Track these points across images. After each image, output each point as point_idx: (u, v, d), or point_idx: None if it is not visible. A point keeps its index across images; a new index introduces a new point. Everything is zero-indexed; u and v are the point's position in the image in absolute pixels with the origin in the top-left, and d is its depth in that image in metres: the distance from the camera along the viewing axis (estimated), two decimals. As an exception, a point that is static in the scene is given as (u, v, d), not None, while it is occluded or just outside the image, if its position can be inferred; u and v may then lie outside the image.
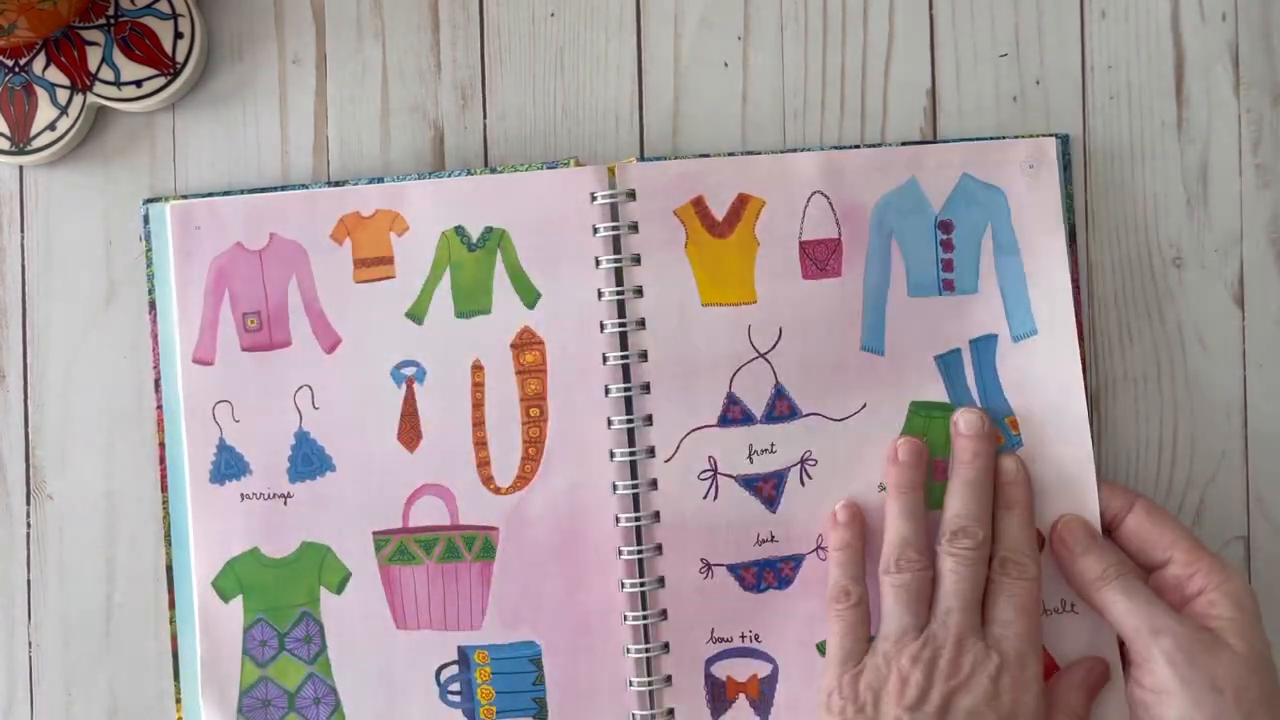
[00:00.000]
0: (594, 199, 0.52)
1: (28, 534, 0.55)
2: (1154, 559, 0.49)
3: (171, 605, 0.53)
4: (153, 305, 0.53)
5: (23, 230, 0.55)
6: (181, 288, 0.53)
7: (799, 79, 0.54)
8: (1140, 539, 0.49)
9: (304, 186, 0.53)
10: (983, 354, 0.52)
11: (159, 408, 0.53)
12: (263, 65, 0.55)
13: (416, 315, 0.52)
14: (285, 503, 0.52)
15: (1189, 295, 0.53)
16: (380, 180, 0.53)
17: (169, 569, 0.53)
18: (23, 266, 0.55)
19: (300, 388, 0.52)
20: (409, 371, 0.52)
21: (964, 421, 0.50)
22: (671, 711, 0.51)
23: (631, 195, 0.52)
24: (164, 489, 0.53)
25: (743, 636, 0.52)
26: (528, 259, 0.52)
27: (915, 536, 0.49)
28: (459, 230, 0.52)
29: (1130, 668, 0.48)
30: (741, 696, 0.52)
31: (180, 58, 0.54)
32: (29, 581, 0.55)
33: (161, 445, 0.53)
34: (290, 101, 0.55)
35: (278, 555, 0.52)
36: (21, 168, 0.55)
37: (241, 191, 0.53)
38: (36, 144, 0.54)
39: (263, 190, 0.53)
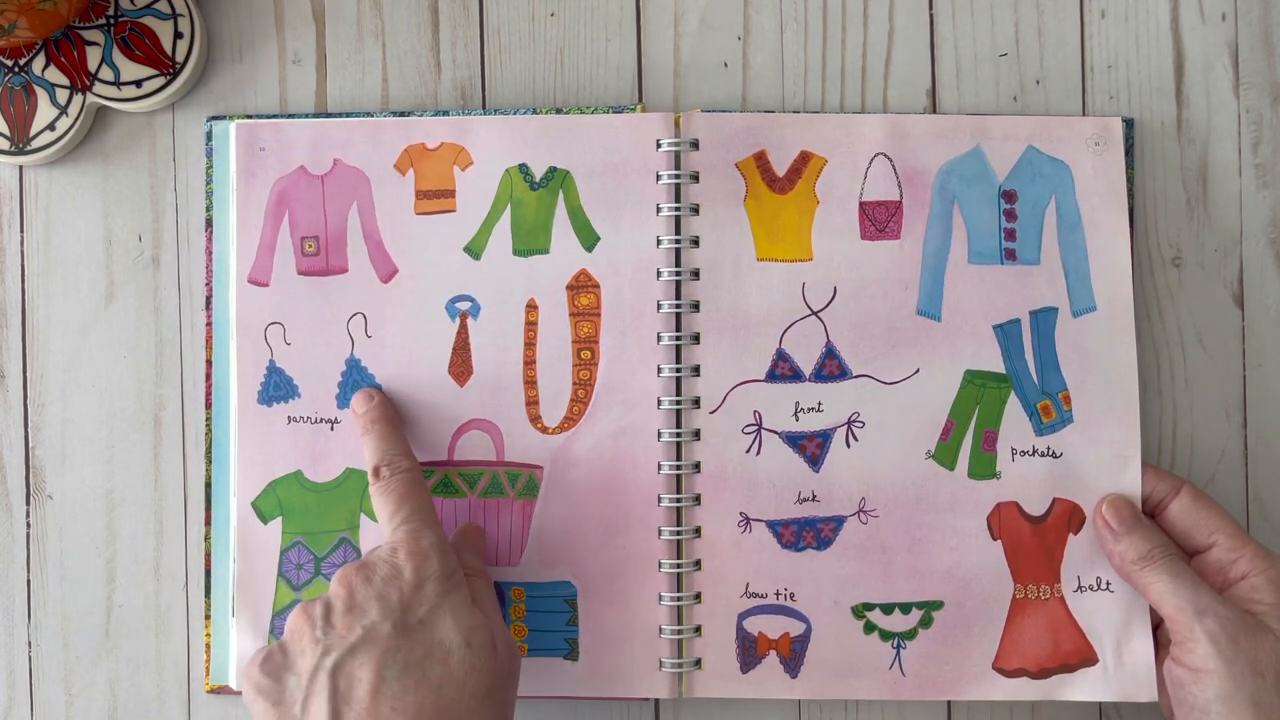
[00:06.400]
0: (659, 145, 0.52)
1: (28, 534, 0.54)
2: (1197, 543, 0.49)
3: (208, 523, 0.53)
4: (209, 223, 0.53)
5: (23, 230, 0.55)
6: (242, 207, 0.53)
7: (799, 79, 0.54)
8: (1185, 523, 0.49)
9: (368, 114, 0.53)
10: (1042, 326, 0.52)
11: (209, 325, 0.53)
12: (263, 65, 0.55)
13: (475, 250, 0.52)
14: (332, 428, 0.52)
15: (1189, 295, 0.53)
16: (445, 114, 0.53)
17: (208, 487, 0.53)
18: (23, 266, 0.55)
19: (354, 315, 0.52)
20: (464, 306, 0.52)
21: None
22: (700, 661, 0.52)
23: (695, 145, 0.52)
24: (208, 406, 0.53)
25: (778, 594, 0.52)
26: (589, 201, 0.52)
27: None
28: (523, 168, 0.52)
29: (1170, 646, 0.48)
30: (772, 653, 0.52)
31: (180, 58, 0.53)
32: (29, 581, 0.54)
33: (208, 364, 0.53)
34: (290, 101, 0.55)
35: (321, 480, 0.52)
36: (21, 168, 0.55)
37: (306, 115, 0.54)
38: (36, 144, 0.53)
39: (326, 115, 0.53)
